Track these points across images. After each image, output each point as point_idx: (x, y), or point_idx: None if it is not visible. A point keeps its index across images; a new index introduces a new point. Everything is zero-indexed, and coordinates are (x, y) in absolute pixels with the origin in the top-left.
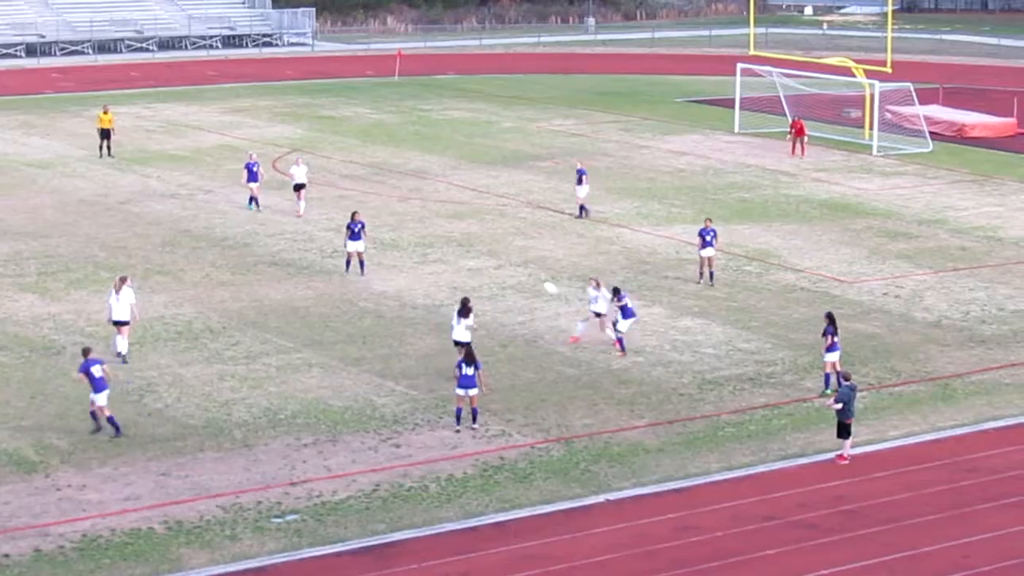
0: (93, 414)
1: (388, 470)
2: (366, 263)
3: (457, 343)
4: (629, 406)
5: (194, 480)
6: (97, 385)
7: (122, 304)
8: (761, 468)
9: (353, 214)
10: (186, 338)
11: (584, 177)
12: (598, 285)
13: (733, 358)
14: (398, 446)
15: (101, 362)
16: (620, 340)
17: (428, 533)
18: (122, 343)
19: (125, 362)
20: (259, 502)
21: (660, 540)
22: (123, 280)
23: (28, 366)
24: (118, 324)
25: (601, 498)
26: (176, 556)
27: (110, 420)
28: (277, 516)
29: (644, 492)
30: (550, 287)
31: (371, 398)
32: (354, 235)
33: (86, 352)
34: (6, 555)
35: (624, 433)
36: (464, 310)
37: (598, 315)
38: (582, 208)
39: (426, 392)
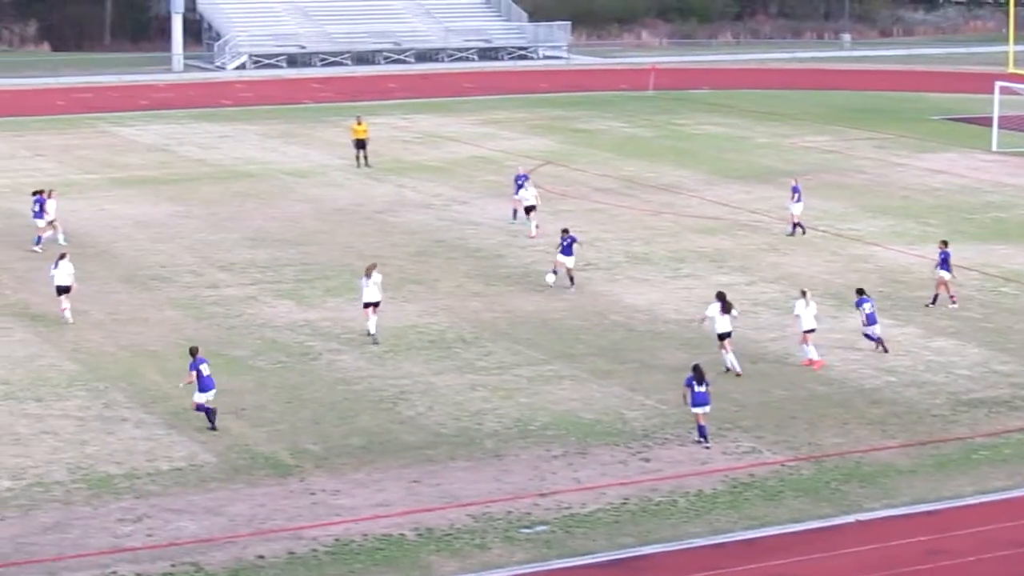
0: (206, 411)
1: (637, 484)
2: (575, 278)
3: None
4: (881, 426)
5: (445, 488)
6: (204, 384)
7: (371, 289)
8: (1016, 493)
9: (564, 230)
10: (439, 347)
11: (798, 194)
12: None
13: (988, 380)
14: (648, 460)
15: (207, 361)
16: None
17: (676, 548)
18: (372, 323)
19: (376, 343)
20: (509, 512)
21: (909, 563)
22: (372, 267)
23: (284, 371)
24: (368, 305)
25: (851, 518)
26: (426, 563)
27: (201, 408)
28: (526, 526)
29: (894, 514)
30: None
31: (621, 411)
32: (565, 249)
33: (194, 352)
34: (261, 556)
35: (875, 453)
36: (725, 305)
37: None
38: (796, 225)
39: (676, 407)
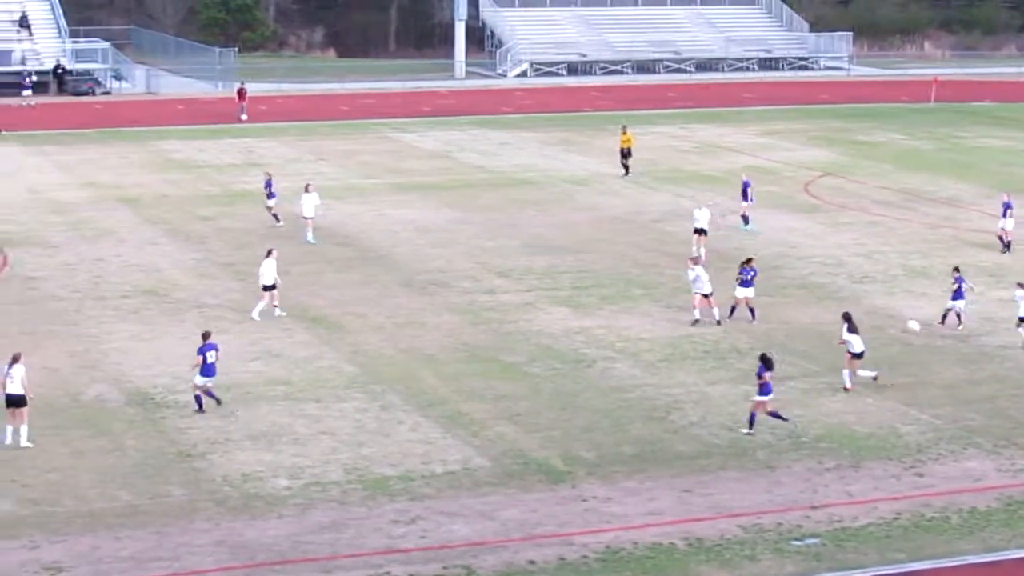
0: (207, 395)
1: (910, 499)
2: (756, 309)
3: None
4: None
5: (715, 499)
6: (207, 369)
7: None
8: None
9: (748, 260)
10: (713, 357)
11: (1009, 211)
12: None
13: None
14: (921, 475)
15: (216, 348)
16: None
17: (948, 565)
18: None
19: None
20: (779, 524)
21: None
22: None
23: (559, 378)
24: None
25: None
26: (695, 573)
27: (202, 397)
28: (797, 539)
29: None
30: (913, 325)
31: (895, 425)
32: (745, 282)
33: (205, 336)
34: (532, 561)
35: None
36: (851, 325)
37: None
38: (1007, 243)
39: (951, 422)
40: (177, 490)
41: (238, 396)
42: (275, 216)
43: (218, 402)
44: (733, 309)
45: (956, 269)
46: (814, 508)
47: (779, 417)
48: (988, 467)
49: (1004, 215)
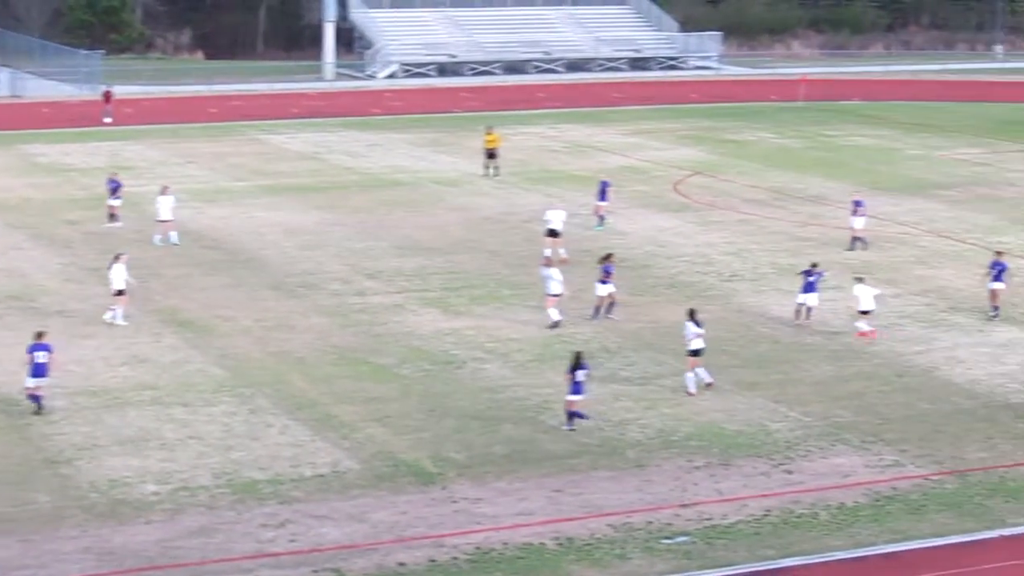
0: (34, 399)
1: (779, 496)
2: (616, 304)
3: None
4: None
5: (586, 498)
6: (36, 370)
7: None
8: None
9: (608, 256)
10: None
11: (860, 209)
12: None
13: None
14: (790, 472)
15: (48, 349)
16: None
17: (817, 561)
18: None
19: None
20: (649, 522)
21: None
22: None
23: (429, 379)
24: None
25: (995, 534)
26: (566, 573)
27: (39, 398)
28: (667, 537)
29: None
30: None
31: (764, 423)
32: (605, 280)
33: (38, 336)
34: (402, 563)
35: (1021, 469)
36: (696, 321)
37: None
38: (856, 239)
39: (820, 419)
40: (43, 497)
41: (105, 401)
42: (112, 215)
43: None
44: (598, 309)
45: (814, 265)
46: (684, 506)
47: (580, 416)
48: (856, 463)
49: (854, 213)
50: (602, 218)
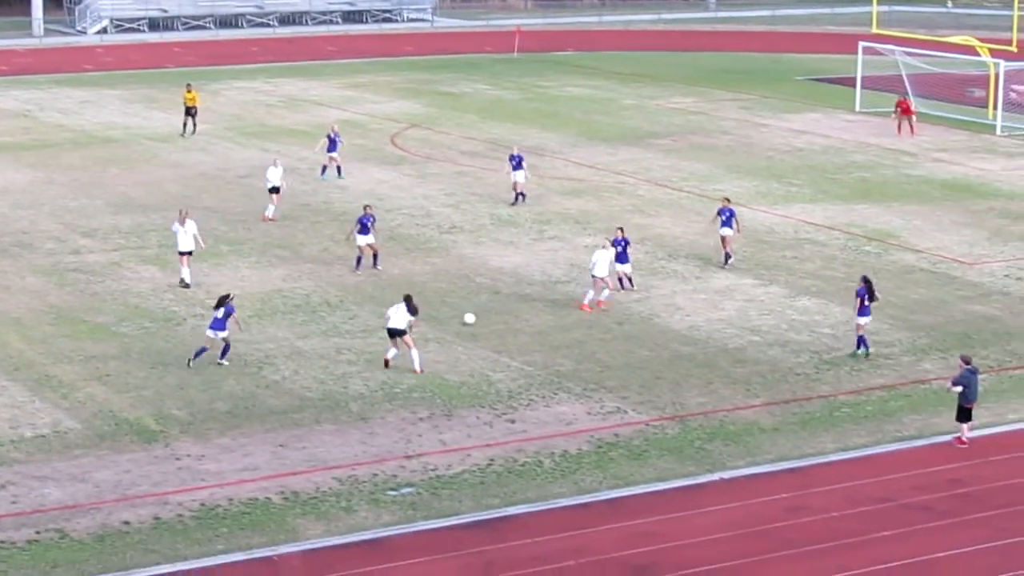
0: None
1: (503, 445)
2: (380, 255)
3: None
4: (745, 385)
5: (311, 452)
6: None
7: (187, 235)
8: (877, 450)
9: (365, 207)
10: (304, 311)
11: (523, 162)
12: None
13: (851, 339)
14: (513, 421)
15: None
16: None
17: (541, 508)
18: (185, 272)
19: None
20: (374, 475)
21: (773, 520)
22: (186, 213)
23: (148, 337)
24: (183, 254)
25: (715, 477)
26: (292, 527)
27: None
28: (392, 489)
29: (758, 471)
30: (468, 317)
31: (487, 373)
32: (364, 229)
33: None
34: (126, 522)
35: (739, 412)
36: (411, 307)
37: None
38: (520, 195)
39: (541, 368)
40: None
41: None
42: None
43: None
44: (359, 260)
45: (620, 230)
46: (408, 458)
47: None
48: (579, 411)
49: (516, 168)
50: (339, 168)
